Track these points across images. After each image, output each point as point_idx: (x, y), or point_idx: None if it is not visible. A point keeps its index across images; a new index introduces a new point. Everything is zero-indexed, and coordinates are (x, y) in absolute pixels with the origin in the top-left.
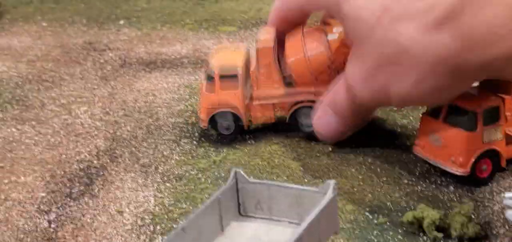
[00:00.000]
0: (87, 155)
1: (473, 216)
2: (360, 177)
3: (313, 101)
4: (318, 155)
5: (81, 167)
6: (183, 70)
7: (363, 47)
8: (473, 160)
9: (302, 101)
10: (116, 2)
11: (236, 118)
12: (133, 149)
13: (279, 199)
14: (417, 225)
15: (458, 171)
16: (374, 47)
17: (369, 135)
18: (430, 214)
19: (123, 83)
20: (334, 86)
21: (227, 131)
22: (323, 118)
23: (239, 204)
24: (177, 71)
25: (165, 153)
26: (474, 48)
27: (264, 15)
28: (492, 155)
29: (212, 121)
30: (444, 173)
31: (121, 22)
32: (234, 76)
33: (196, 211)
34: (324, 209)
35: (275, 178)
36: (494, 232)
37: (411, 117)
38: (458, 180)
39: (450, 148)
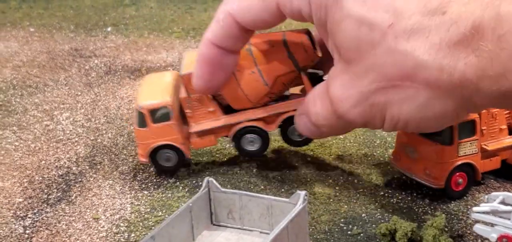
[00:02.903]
0: (67, 161)
1: (446, 229)
2: (337, 187)
3: (255, 127)
4: (296, 165)
5: (60, 173)
6: None
7: (358, 64)
8: (447, 173)
9: (242, 125)
10: (105, 9)
11: (176, 149)
12: (113, 156)
13: (250, 209)
14: (390, 237)
15: (433, 183)
16: (374, 65)
17: (348, 146)
18: (403, 226)
19: (106, 90)
20: (310, 95)
21: (169, 163)
22: (301, 123)
23: (211, 213)
24: None
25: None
26: (494, 76)
27: None
28: (467, 168)
29: (153, 155)
30: (420, 186)
31: (109, 29)
32: (164, 109)
33: (166, 220)
34: (293, 219)
35: (252, 188)
36: None
37: None
38: (433, 193)
39: (425, 161)
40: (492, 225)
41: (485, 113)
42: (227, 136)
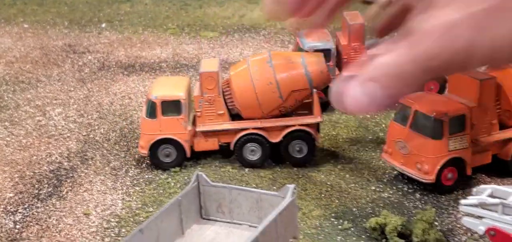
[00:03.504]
0: (58, 157)
1: (436, 223)
2: (329, 183)
3: (259, 135)
4: (288, 162)
5: (51, 168)
6: (161, 74)
7: None
8: (438, 168)
9: (248, 132)
10: (100, 5)
11: (178, 146)
12: (105, 151)
13: (240, 202)
14: (380, 231)
15: (423, 178)
16: None
17: (340, 141)
18: (393, 220)
19: (99, 86)
20: (371, 55)
21: (168, 159)
22: (357, 92)
23: (201, 207)
24: (155, 75)
25: (136, 156)
26: None
27: (247, 21)
28: (458, 163)
29: (153, 148)
30: (411, 180)
31: (103, 25)
32: (176, 103)
33: (155, 213)
34: (282, 212)
35: (244, 185)
36: (456, 239)
37: (383, 125)
38: (424, 187)
39: (416, 156)
40: (480, 217)
41: (476, 108)
42: (228, 143)
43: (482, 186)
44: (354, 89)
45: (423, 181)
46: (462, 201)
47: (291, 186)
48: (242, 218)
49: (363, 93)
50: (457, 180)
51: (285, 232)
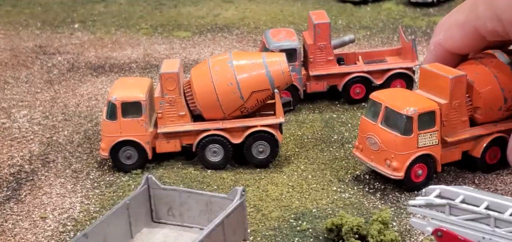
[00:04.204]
0: (20, 160)
1: (394, 223)
2: (291, 183)
3: (221, 136)
4: (250, 163)
5: (12, 171)
6: (130, 75)
7: None
8: (407, 164)
9: (210, 133)
10: (74, 5)
11: (139, 148)
12: (67, 153)
13: (190, 205)
14: (337, 232)
15: (392, 174)
16: None
17: (305, 141)
18: (349, 221)
19: (67, 87)
20: None
21: (129, 161)
22: None
23: (152, 210)
24: (124, 76)
25: (99, 158)
26: None
27: (221, 20)
28: (427, 160)
29: (114, 150)
30: (373, 180)
31: (76, 25)
32: (137, 104)
33: (101, 217)
34: (229, 215)
35: (205, 187)
36: (413, 239)
37: (349, 124)
38: (385, 187)
39: (385, 152)
40: (428, 218)
41: (446, 105)
42: (190, 144)
43: (431, 187)
44: None
45: (392, 177)
46: (410, 202)
47: (240, 188)
48: (193, 220)
49: None
50: (426, 177)
51: (233, 235)
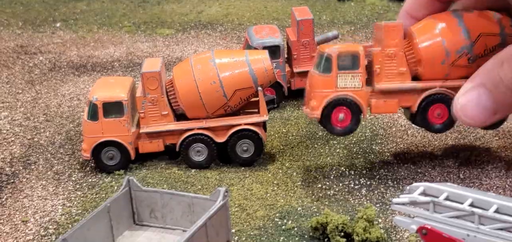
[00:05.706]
0: (0, 162)
1: (379, 219)
2: (275, 182)
3: (204, 135)
4: (234, 163)
5: None
6: (113, 73)
7: None
8: (324, 103)
9: (193, 132)
10: (56, 4)
11: (122, 148)
12: (49, 155)
13: (172, 207)
14: (322, 230)
15: (311, 114)
16: None
17: (290, 139)
18: (334, 219)
19: (49, 87)
20: (489, 62)
21: (111, 162)
22: (472, 99)
23: (134, 213)
24: (107, 74)
25: (81, 159)
26: None
27: (205, 17)
28: (350, 104)
29: (96, 151)
30: (358, 176)
31: (58, 24)
32: (118, 104)
33: (81, 221)
34: (212, 216)
35: (189, 187)
36: (398, 236)
37: None
38: (370, 183)
39: (309, 93)
40: (412, 216)
41: (380, 53)
42: (174, 144)
43: (415, 184)
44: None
45: (311, 116)
46: (394, 200)
47: (222, 189)
48: (176, 222)
49: (477, 99)
50: (351, 122)
51: (217, 236)
